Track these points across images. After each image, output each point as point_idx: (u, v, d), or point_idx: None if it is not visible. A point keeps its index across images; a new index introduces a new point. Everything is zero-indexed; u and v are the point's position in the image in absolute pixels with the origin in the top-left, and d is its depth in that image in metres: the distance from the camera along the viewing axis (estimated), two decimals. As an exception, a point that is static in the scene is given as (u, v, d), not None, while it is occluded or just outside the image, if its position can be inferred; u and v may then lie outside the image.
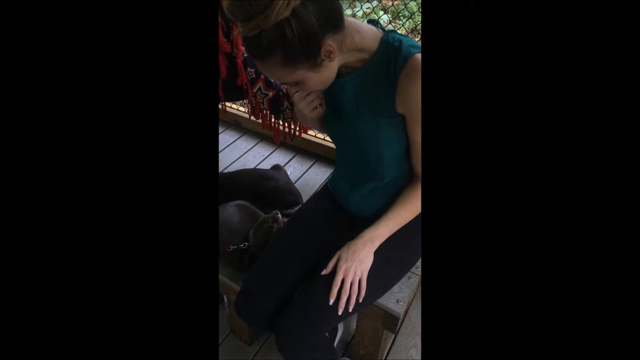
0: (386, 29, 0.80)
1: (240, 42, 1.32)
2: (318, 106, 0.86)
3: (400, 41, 0.75)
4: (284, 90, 1.44)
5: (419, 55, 0.73)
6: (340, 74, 0.85)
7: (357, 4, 2.37)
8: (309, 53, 0.67)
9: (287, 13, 0.61)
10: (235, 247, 1.08)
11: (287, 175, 1.49)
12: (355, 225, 0.98)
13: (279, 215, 1.09)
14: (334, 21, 0.68)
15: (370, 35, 0.78)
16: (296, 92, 0.81)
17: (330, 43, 0.68)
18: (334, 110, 0.89)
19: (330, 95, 0.87)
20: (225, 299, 1.36)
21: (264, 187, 1.35)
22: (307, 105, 0.85)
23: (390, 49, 0.76)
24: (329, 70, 0.74)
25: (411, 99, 0.76)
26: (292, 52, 0.66)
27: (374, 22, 0.82)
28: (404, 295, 0.98)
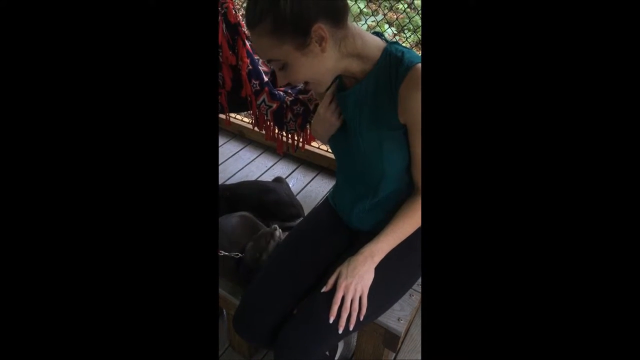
0: (391, 41, 0.81)
1: (245, 54, 1.32)
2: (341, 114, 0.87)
3: (403, 52, 0.76)
4: (287, 102, 1.44)
5: (420, 65, 0.73)
6: (344, 86, 0.85)
7: (362, 17, 2.38)
8: (297, 28, 0.68)
9: None
10: (227, 254, 1.08)
11: (289, 188, 1.49)
12: (356, 239, 0.97)
13: (277, 232, 1.08)
14: (332, 10, 0.70)
15: (373, 44, 0.78)
16: (284, 79, 0.77)
17: (322, 27, 0.69)
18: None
19: None
20: (225, 313, 1.34)
21: (265, 200, 1.35)
22: (331, 113, 0.86)
23: (392, 58, 0.77)
24: (319, 61, 0.73)
25: (412, 109, 0.75)
26: (281, 22, 0.67)
27: (379, 35, 0.82)
28: (405, 314, 0.97)
